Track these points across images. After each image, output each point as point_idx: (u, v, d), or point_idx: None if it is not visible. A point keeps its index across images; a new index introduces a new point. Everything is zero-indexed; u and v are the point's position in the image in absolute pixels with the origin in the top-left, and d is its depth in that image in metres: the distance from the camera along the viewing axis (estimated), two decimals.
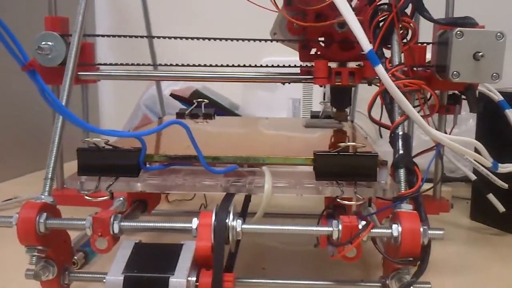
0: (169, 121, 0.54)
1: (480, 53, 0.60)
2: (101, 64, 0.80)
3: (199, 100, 0.95)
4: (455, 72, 0.61)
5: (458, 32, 0.60)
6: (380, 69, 0.53)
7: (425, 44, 0.72)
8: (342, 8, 0.54)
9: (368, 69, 0.69)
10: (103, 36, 0.81)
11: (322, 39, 0.72)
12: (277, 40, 0.73)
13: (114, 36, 0.79)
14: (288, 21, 0.70)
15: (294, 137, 0.79)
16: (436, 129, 0.60)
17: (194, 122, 0.90)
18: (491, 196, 0.80)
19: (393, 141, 0.56)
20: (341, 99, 0.79)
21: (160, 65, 0.82)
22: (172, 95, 1.24)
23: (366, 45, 0.54)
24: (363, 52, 0.71)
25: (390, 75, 0.55)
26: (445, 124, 0.78)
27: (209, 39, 0.76)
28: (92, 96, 1.49)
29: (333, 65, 0.72)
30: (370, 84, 0.72)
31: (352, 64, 0.73)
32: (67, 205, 0.72)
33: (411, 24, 0.60)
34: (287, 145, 0.73)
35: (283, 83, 0.75)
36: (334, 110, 0.82)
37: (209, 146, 0.63)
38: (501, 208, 0.80)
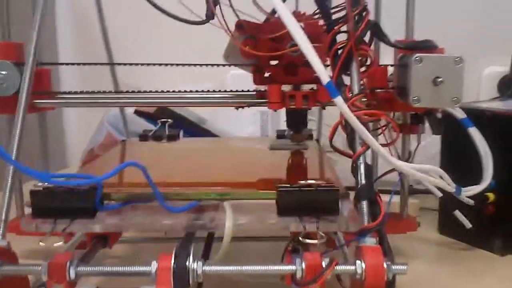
0: (124, 163, 0.53)
1: (440, 79, 0.60)
2: (58, 93, 0.77)
3: (163, 120, 0.94)
4: (415, 98, 0.61)
5: (417, 58, 0.60)
6: (339, 100, 0.52)
7: (386, 66, 0.72)
8: (298, 40, 0.52)
9: (321, 92, 0.68)
10: (61, 64, 0.79)
11: (276, 62, 0.71)
12: (229, 64, 0.72)
13: (72, 64, 0.77)
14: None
15: (259, 164, 0.79)
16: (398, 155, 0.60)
17: (157, 144, 0.88)
18: (457, 213, 0.80)
19: (355, 172, 0.55)
20: (297, 121, 0.78)
21: (121, 92, 0.81)
22: (136, 112, 1.21)
23: (324, 77, 0.52)
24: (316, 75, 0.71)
25: (350, 105, 0.54)
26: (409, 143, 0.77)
27: (171, 65, 0.75)
28: (56, 112, 1.45)
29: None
30: (323, 108, 0.71)
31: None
32: (28, 236, 0.69)
33: (369, 52, 0.60)
34: (252, 172, 0.72)
35: (237, 108, 0.74)
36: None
37: (170, 175, 0.62)
38: (468, 224, 0.80)
